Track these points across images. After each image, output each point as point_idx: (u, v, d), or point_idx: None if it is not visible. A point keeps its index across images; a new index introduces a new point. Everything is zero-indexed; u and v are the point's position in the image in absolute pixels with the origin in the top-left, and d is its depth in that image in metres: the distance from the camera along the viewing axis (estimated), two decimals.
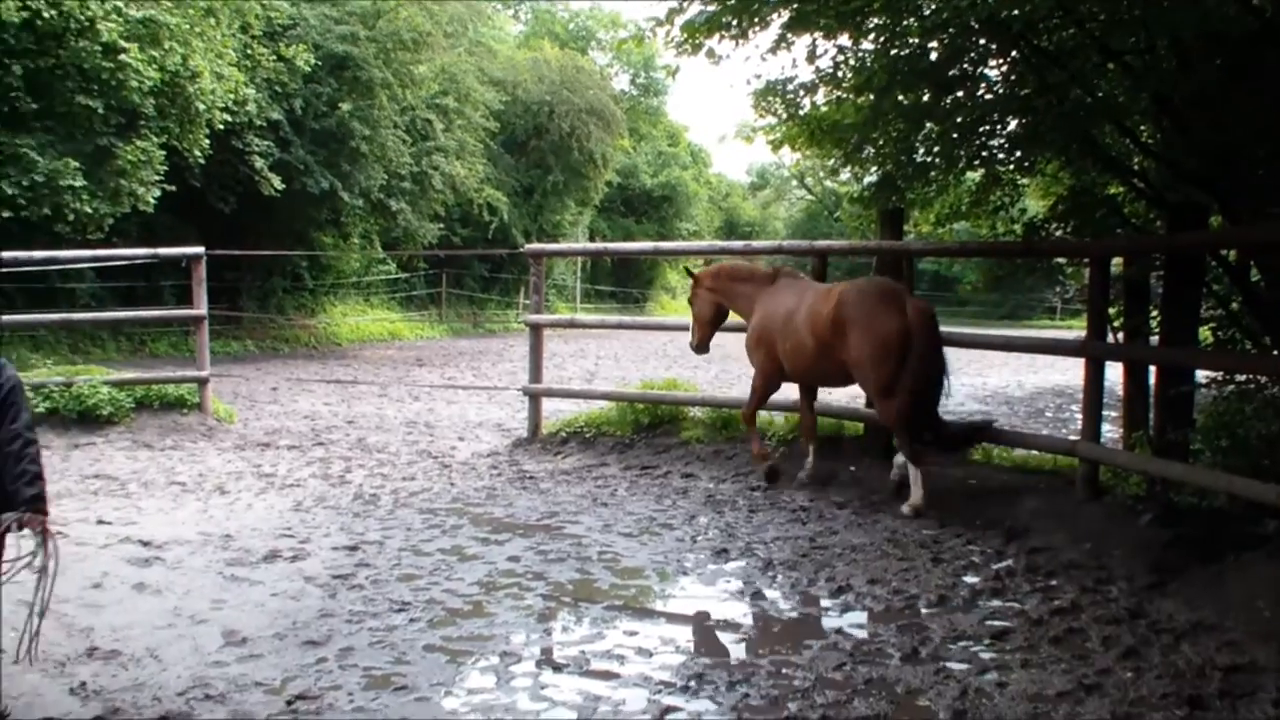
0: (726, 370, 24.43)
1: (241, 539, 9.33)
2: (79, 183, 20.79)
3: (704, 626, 7.37)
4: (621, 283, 59.46)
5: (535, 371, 14.29)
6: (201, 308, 15.62)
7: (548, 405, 14.96)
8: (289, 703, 5.92)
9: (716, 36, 10.00)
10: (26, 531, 5.42)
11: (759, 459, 11.72)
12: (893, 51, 9.88)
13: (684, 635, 7.08)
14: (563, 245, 40.43)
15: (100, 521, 9.99)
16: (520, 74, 46.49)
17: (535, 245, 14.81)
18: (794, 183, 79.39)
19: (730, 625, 7.35)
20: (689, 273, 12.64)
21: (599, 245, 45.36)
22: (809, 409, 11.60)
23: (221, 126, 24.37)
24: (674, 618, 7.50)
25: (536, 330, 14.35)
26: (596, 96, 47.64)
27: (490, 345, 36.16)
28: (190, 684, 6.15)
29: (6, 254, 16.63)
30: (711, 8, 9.89)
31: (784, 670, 6.41)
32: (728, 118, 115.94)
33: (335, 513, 10.44)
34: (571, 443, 13.76)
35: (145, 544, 9.12)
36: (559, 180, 47.45)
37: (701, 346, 12.47)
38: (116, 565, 8.50)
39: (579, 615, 7.43)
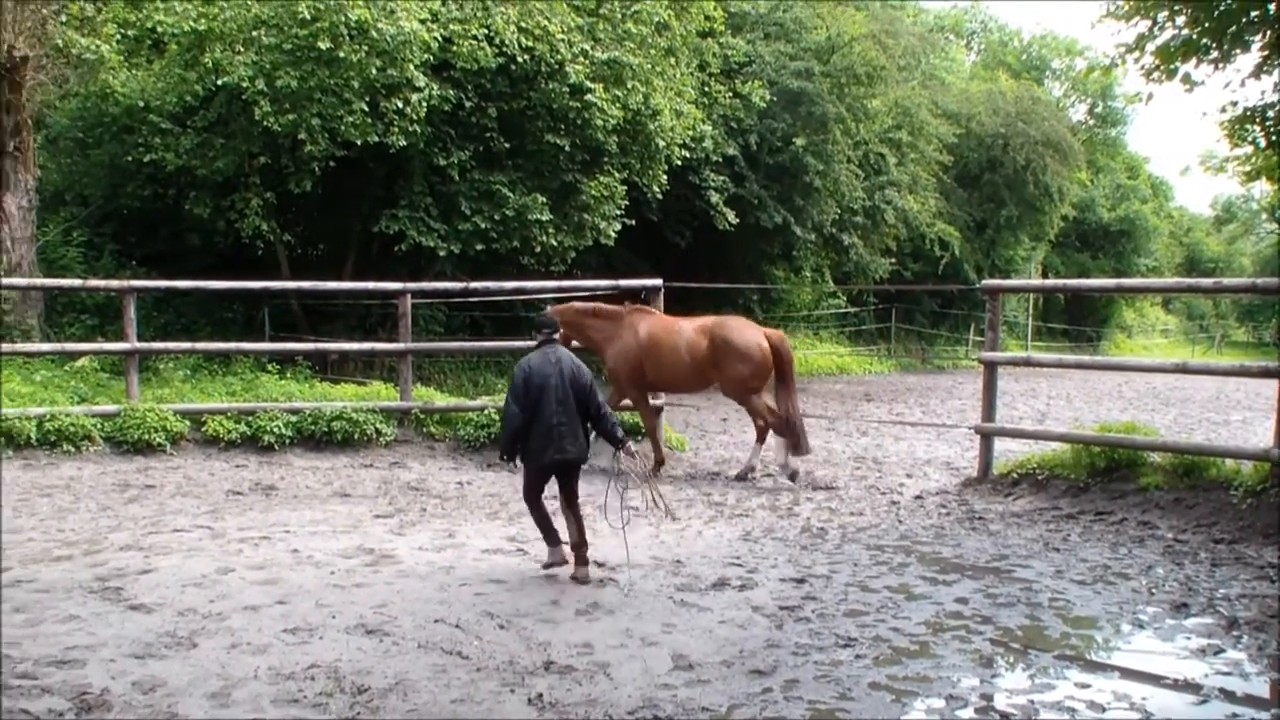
0: (1185, 414, 23.22)
1: (691, 565, 9.52)
2: (546, 217, 21.85)
3: (1161, 685, 6.94)
4: (1074, 320, 57.60)
5: (988, 410, 13.92)
6: None
7: (997, 445, 14.58)
8: None
9: (1193, 61, 9.52)
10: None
11: (659, 464, 14.82)
12: None
13: (1139, 692, 6.69)
14: (1020, 281, 39.47)
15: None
16: (974, 106, 45.72)
17: (992, 281, 14.46)
18: (1263, 216, 74.74)
19: (1190, 686, 6.87)
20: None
21: (1057, 282, 43.55)
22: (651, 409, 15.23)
23: (679, 162, 24.96)
24: (1129, 673, 7.11)
25: (991, 368, 13.99)
26: (1053, 128, 46.21)
27: (939, 382, 35.65)
28: (640, 704, 6.29)
29: (477, 284, 17.64)
30: (1187, 31, 9.42)
31: None
32: (1190, 148, 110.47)
33: (783, 544, 10.50)
34: (1023, 484, 13.31)
35: (600, 565, 9.43)
36: (1013, 214, 46.29)
37: None
38: (572, 584, 8.84)
39: (1028, 663, 7.17)
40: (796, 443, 14.54)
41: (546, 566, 9.32)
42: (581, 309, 15.00)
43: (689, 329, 14.62)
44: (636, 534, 10.90)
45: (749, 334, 14.62)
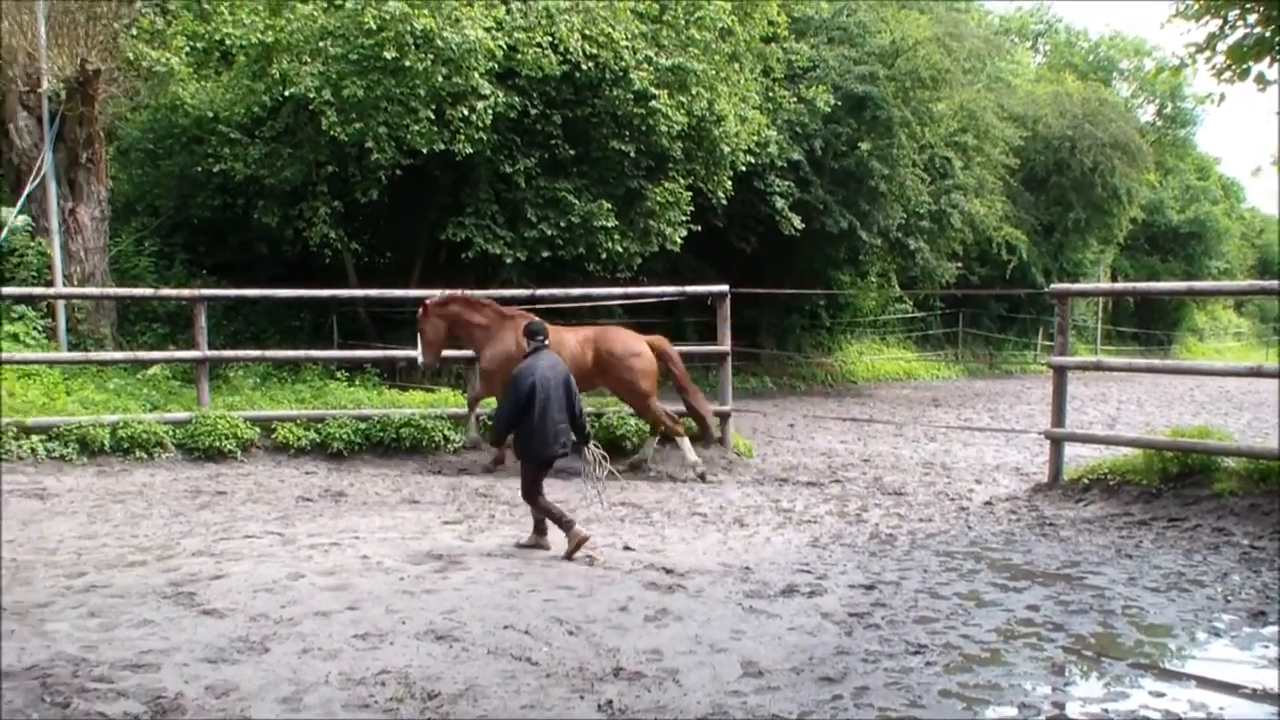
0: (1260, 418, 22.91)
1: (760, 572, 9.49)
2: (611, 223, 21.92)
3: (1239, 694, 6.84)
4: (1144, 324, 57.00)
5: (1058, 415, 13.78)
6: (726, 344, 16.12)
7: (1067, 450, 14.43)
8: None
9: (1266, 60, 9.40)
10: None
11: (496, 461, 15.04)
12: None
13: (1216, 702, 6.60)
14: (1089, 285, 39.13)
15: (626, 548, 10.42)
16: (1040, 108, 45.27)
17: (1061, 285, 14.32)
18: None
19: (1268, 695, 6.75)
20: (423, 302, 15.18)
21: (1127, 285, 43.38)
22: None
23: (744, 168, 24.93)
24: (1205, 682, 7.00)
25: (1061, 373, 13.85)
26: (1121, 129, 45.63)
27: (1006, 386, 35.40)
28: (709, 710, 6.28)
29: (544, 290, 17.72)
30: (1260, 30, 9.29)
31: None
32: (1263, 148, 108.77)
33: (851, 550, 10.45)
34: (1094, 490, 13.16)
35: (668, 571, 9.43)
36: (1080, 217, 45.82)
37: (431, 365, 15.48)
38: (640, 591, 8.83)
39: (1101, 671, 7.09)
40: (706, 432, 15.58)
41: (574, 551, 9.93)
42: (470, 303, 15.24)
43: (572, 340, 14.93)
44: (705, 540, 10.93)
45: (631, 343, 15.18)
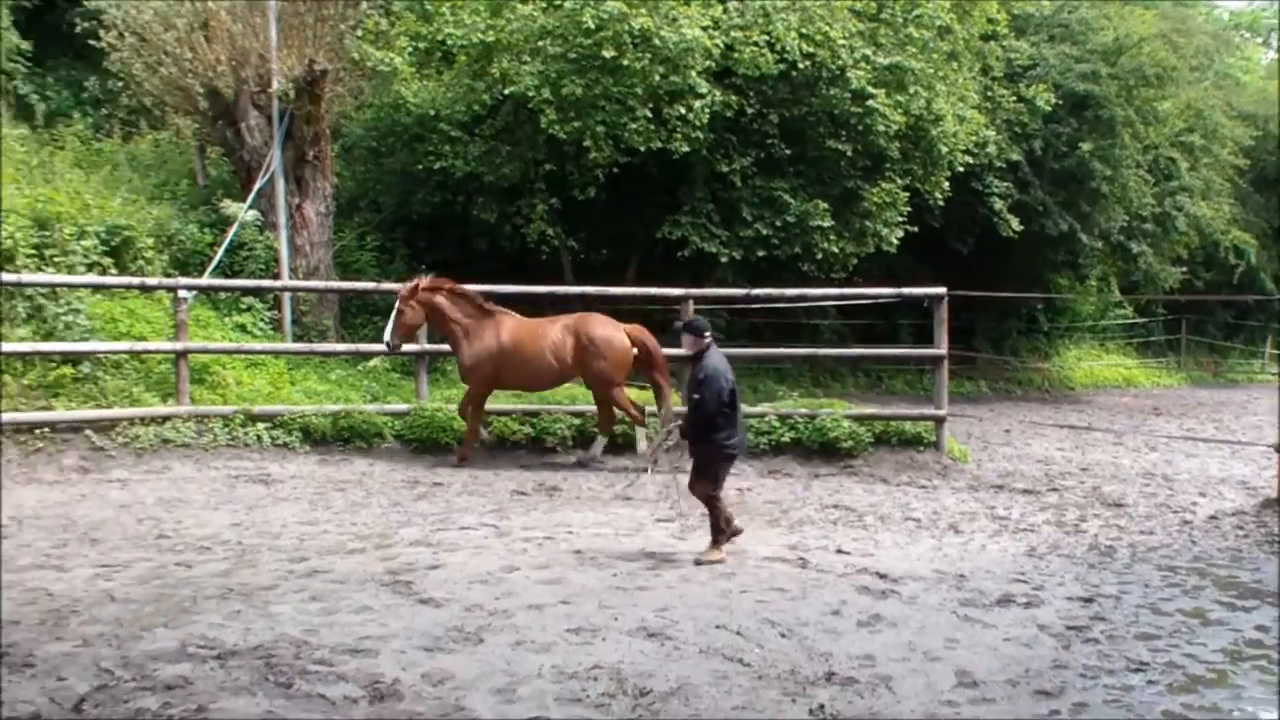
0: None
1: (975, 580, 9.38)
2: (827, 223, 21.79)
3: None
4: None
5: None
6: (942, 347, 15.91)
7: None
8: None
9: None
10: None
11: (471, 444, 15.15)
12: None
13: None
14: None
15: (839, 551, 10.41)
16: (1272, 106, 43.51)
17: None
18: None
19: None
20: (409, 283, 15.26)
21: None
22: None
23: (961, 168, 24.56)
24: None
25: None
26: None
27: (1232, 396, 34.16)
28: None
29: (759, 290, 17.72)
30: None
31: None
32: None
33: (1069, 561, 10.26)
34: None
35: (881, 576, 9.39)
36: None
37: (396, 349, 15.37)
38: (853, 595, 8.81)
39: None
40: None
41: (708, 559, 9.85)
42: (454, 294, 15.30)
43: (553, 330, 15.20)
44: (919, 545, 10.84)
45: (611, 330, 15.28)
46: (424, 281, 15.20)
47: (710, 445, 9.90)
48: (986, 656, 7.37)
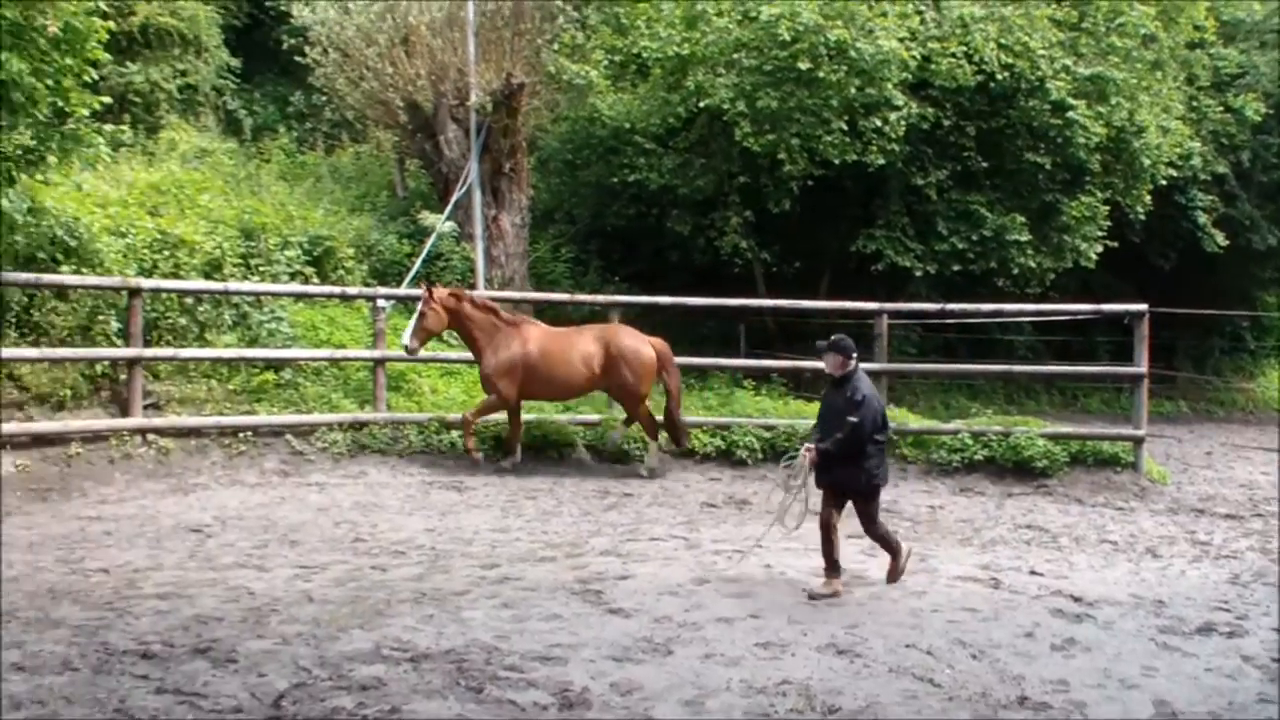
0: None
1: (1174, 606, 9.15)
2: (1024, 238, 21.43)
3: None
4: None
5: None
6: (1142, 366, 15.54)
7: None
8: None
9: None
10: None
11: (470, 438, 14.82)
12: None
13: None
14: None
15: (1032, 572, 10.24)
16: None
17: None
18: None
19: None
20: (430, 287, 15.06)
21: None
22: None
23: (1164, 181, 23.92)
24: None
25: None
26: None
27: None
28: None
29: (955, 305, 17.50)
30: None
31: None
32: None
33: (1276, 591, 9.92)
34: None
35: (1076, 599, 9.22)
36: None
37: (415, 352, 14.95)
38: (1047, 618, 8.67)
39: None
40: (678, 439, 15.48)
41: (825, 594, 9.19)
42: (476, 305, 15.15)
43: (581, 339, 15.21)
44: (1115, 569, 10.61)
45: (640, 343, 15.23)
46: (448, 292, 15.23)
47: (861, 472, 9.36)
48: (1186, 687, 7.19)
